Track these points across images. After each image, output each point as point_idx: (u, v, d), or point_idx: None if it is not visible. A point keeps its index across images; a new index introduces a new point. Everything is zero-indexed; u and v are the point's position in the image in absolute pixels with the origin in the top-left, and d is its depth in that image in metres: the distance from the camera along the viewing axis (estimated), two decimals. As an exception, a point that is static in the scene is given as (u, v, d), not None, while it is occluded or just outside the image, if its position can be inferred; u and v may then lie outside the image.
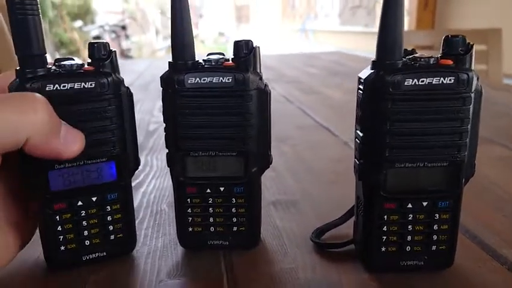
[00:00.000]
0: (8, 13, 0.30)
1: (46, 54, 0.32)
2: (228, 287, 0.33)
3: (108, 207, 0.35)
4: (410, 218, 0.32)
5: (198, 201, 0.35)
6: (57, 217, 0.33)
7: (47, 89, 0.31)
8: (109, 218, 0.35)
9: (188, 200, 0.35)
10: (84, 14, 5.98)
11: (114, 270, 0.35)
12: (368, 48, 4.18)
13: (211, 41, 13.32)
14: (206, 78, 0.32)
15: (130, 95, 0.35)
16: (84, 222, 0.34)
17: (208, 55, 0.35)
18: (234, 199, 0.35)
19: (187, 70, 0.33)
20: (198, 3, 13.99)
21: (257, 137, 0.34)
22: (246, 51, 0.33)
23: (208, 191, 0.35)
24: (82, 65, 0.33)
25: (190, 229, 0.36)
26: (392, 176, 0.31)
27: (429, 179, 0.31)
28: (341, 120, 0.83)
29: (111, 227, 0.35)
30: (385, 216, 0.32)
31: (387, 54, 0.30)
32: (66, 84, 0.31)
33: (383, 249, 0.32)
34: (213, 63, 0.33)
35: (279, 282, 0.33)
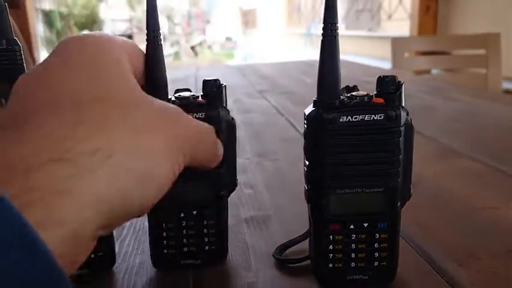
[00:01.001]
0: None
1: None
2: (193, 300, 0.37)
3: None
4: (353, 238, 0.35)
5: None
6: None
7: None
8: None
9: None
10: (91, 23, 6.11)
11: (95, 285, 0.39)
12: (371, 53, 4.21)
13: (218, 46, 13.44)
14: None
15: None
16: None
17: (175, 92, 0.38)
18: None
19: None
20: (205, 9, 14.10)
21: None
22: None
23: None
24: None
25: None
26: (334, 200, 0.34)
27: (368, 203, 0.34)
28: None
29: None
30: (330, 236, 0.35)
31: (325, 94, 0.34)
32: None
33: (331, 265, 0.36)
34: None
35: (239, 296, 0.37)
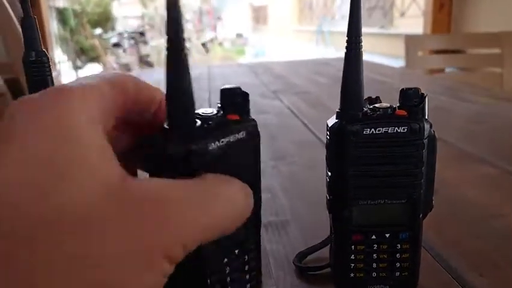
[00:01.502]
0: (26, 75, 0.35)
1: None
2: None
3: None
4: (374, 248, 0.36)
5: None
6: None
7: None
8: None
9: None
10: (104, 21, 6.15)
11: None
12: (383, 51, 4.18)
13: (229, 43, 13.44)
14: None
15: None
16: None
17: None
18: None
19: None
20: (216, 5, 14.11)
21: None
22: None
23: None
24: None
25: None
26: (357, 211, 0.35)
27: (390, 214, 0.35)
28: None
29: None
30: (352, 246, 0.36)
31: (349, 105, 0.34)
32: None
33: (352, 275, 0.36)
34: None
35: (261, 303, 0.38)
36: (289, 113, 1.09)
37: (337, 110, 0.35)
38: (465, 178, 0.64)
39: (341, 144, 0.34)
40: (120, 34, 5.90)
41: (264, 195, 0.60)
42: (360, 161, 0.33)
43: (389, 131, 0.33)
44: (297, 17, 8.81)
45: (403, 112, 0.33)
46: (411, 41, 2.31)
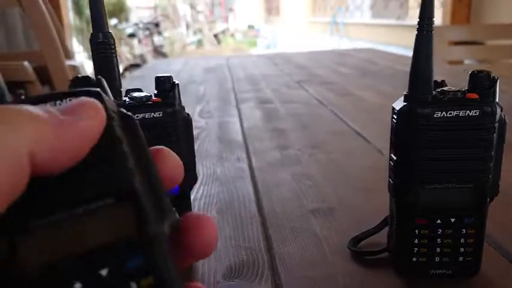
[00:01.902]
0: (92, 56, 0.36)
1: (121, 89, 0.38)
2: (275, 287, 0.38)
3: None
4: (439, 232, 0.36)
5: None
6: None
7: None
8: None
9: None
10: (118, 11, 6.16)
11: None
12: (401, 42, 4.13)
13: (240, 34, 13.40)
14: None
15: (189, 122, 0.40)
16: None
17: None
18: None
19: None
20: (227, -3, 14.04)
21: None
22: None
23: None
24: (150, 97, 0.38)
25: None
26: (423, 195, 0.34)
27: (457, 199, 0.34)
28: (375, 126, 0.87)
29: None
30: (416, 231, 0.36)
31: (418, 88, 0.33)
32: (139, 115, 0.37)
33: (414, 259, 0.36)
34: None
35: (321, 286, 0.38)
36: (318, 103, 1.09)
37: (404, 93, 0.35)
38: None
39: (410, 127, 0.34)
40: (136, 25, 5.92)
41: (305, 182, 0.60)
42: (430, 144, 0.33)
43: (461, 114, 0.32)
44: (311, 8, 8.74)
45: (474, 95, 0.33)
46: (436, 33, 2.27)
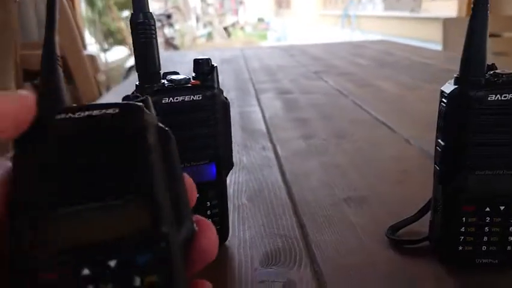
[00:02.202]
0: (132, 37, 0.35)
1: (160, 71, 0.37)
2: (314, 274, 0.37)
3: (208, 203, 0.40)
4: (487, 220, 0.34)
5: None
6: None
7: (163, 101, 0.36)
8: (208, 212, 0.40)
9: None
10: (130, 2, 6.13)
11: (213, 258, 0.40)
12: (414, 35, 4.08)
13: (250, 27, 13.33)
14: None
15: (227, 106, 0.39)
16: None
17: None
18: None
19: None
20: (237, -11, 13.97)
21: None
22: None
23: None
24: (189, 79, 0.37)
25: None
26: (472, 182, 0.33)
27: (507, 186, 0.33)
28: (398, 115, 0.85)
29: (210, 220, 0.40)
30: (463, 218, 0.35)
31: (471, 71, 0.32)
32: (178, 97, 0.36)
33: (460, 248, 0.35)
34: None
35: (361, 273, 0.37)
36: (338, 93, 1.08)
37: (455, 76, 0.34)
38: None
39: (462, 111, 0.32)
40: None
41: (333, 171, 0.59)
42: (482, 128, 0.32)
43: (516, 98, 0.31)
44: (322, 1, 8.66)
45: (529, 78, 0.32)
46: (449, 24, 2.24)
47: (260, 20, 14.18)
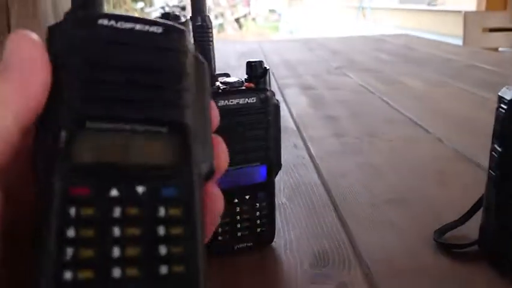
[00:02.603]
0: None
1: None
2: (365, 277, 0.37)
3: (258, 204, 0.40)
4: (543, 227, 0.34)
5: None
6: None
7: (218, 104, 0.36)
8: (257, 213, 0.40)
9: None
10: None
11: (261, 258, 0.40)
12: (431, 29, 4.03)
13: (262, 19, 13.25)
14: None
15: (278, 108, 0.39)
16: (238, 217, 0.40)
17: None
18: None
19: None
20: (249, -20, 13.86)
21: None
22: None
23: None
24: (243, 82, 0.38)
25: None
26: (530, 188, 0.33)
27: None
28: (428, 114, 0.85)
29: (259, 221, 0.41)
30: (519, 224, 0.35)
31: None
32: (233, 100, 0.36)
33: (515, 253, 0.35)
34: None
35: (413, 278, 0.37)
36: (365, 90, 1.07)
37: (517, 82, 0.33)
38: None
39: (523, 117, 0.32)
40: (162, 8, 5.93)
41: (370, 172, 0.59)
42: (544, 136, 0.32)
43: None
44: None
45: None
46: (470, 18, 2.21)
47: (271, 11, 14.08)
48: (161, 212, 0.17)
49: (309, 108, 0.93)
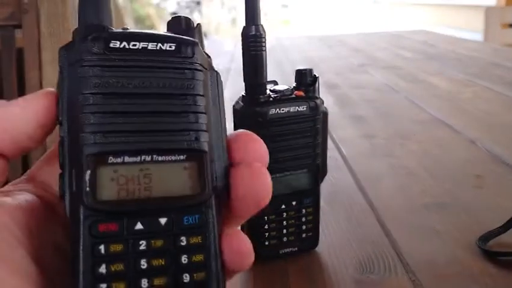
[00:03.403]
0: (243, 48, 0.36)
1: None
2: (412, 284, 0.37)
3: (304, 210, 0.41)
4: None
5: None
6: (265, 218, 0.39)
7: (270, 112, 0.36)
8: (303, 219, 0.41)
9: None
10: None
11: (307, 262, 0.41)
12: (450, 24, 3.97)
13: (273, 13, 13.18)
14: None
15: (327, 115, 0.39)
16: (284, 223, 0.40)
17: None
18: None
19: None
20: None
21: None
22: None
23: None
24: (292, 90, 0.38)
25: None
26: None
27: None
28: (457, 114, 0.84)
29: (304, 227, 0.41)
30: None
31: None
32: (284, 108, 0.37)
33: None
34: None
35: (461, 285, 0.37)
36: (389, 89, 1.06)
37: None
38: None
39: None
40: (178, 3, 5.94)
41: (405, 175, 0.59)
42: None
43: None
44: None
45: None
46: (492, 13, 2.18)
47: (284, 5, 14.01)
48: (184, 241, 0.18)
49: (335, 108, 0.93)
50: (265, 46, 0.36)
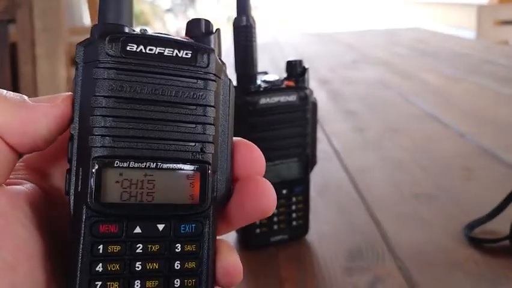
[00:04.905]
0: (234, 39, 0.36)
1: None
2: (400, 271, 0.38)
3: (294, 198, 0.41)
4: None
5: None
6: None
7: (260, 102, 0.37)
8: (293, 207, 0.42)
9: None
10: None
11: (297, 250, 0.42)
12: (443, 21, 3.99)
13: (269, 10, 13.17)
14: None
15: (316, 106, 0.40)
16: (275, 211, 0.41)
17: None
18: None
19: None
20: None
21: None
22: None
23: None
24: (283, 80, 0.39)
25: None
26: None
27: None
28: (447, 109, 0.85)
29: (294, 215, 0.42)
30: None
31: None
32: (274, 98, 0.37)
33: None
34: None
35: (447, 272, 0.38)
36: (381, 85, 1.08)
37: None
38: None
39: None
40: (172, 1, 5.94)
41: (395, 167, 0.60)
42: None
43: None
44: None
45: None
46: (484, 11, 2.20)
47: (280, 3, 14.00)
48: (178, 248, 0.19)
49: (328, 102, 0.94)
50: (255, 37, 0.36)
